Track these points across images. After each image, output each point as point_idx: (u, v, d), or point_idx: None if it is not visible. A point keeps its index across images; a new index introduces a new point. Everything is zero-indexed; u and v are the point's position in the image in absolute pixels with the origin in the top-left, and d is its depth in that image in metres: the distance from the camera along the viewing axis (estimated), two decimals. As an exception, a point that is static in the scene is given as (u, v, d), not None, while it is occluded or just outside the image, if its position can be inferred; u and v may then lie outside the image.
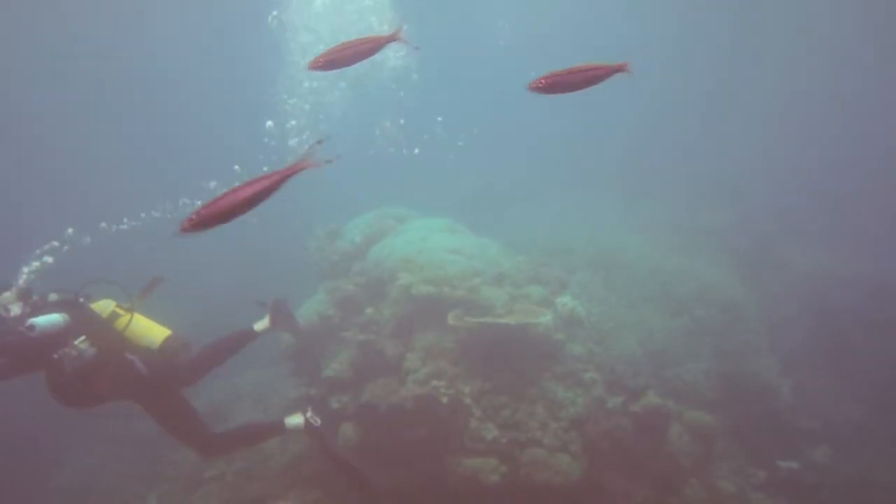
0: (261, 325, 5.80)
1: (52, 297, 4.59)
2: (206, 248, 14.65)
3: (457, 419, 5.86)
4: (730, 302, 8.34)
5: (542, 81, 3.10)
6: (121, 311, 4.78)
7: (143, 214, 5.51)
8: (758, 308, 8.78)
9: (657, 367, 6.90)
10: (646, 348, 6.98)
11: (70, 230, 4.98)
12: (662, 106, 20.39)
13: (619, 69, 3.12)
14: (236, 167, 7.31)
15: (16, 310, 4.37)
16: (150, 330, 4.78)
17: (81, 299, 4.64)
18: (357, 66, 3.60)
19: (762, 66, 21.59)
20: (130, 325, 4.70)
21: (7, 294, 4.45)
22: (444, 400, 5.82)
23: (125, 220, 5.36)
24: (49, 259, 4.78)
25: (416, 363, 6.12)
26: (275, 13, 11.81)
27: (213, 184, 6.20)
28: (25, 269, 4.64)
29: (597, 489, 5.76)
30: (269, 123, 10.31)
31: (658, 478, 5.99)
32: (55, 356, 4.29)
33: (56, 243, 4.90)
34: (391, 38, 3.62)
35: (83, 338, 4.39)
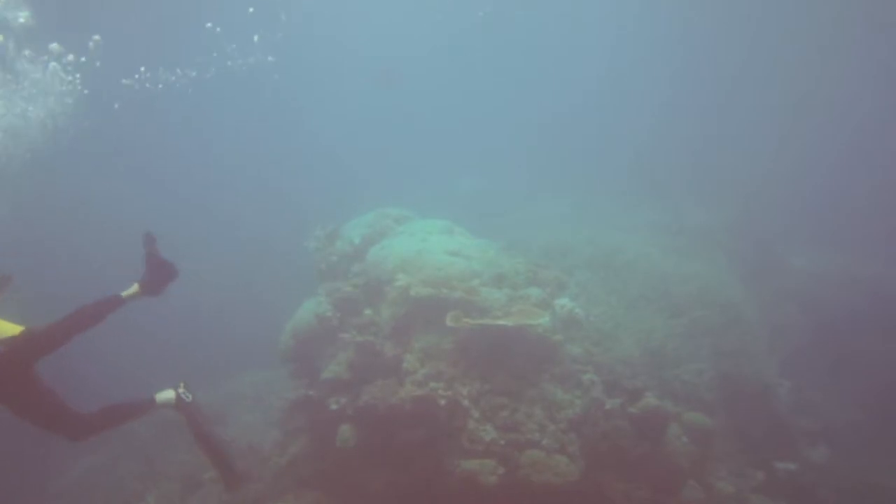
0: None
1: None
2: (205, 252, 14.68)
3: (455, 420, 5.85)
4: (729, 303, 8.33)
5: None
6: None
7: None
8: (757, 309, 8.77)
9: (656, 368, 6.89)
10: (644, 349, 6.98)
11: None
12: (669, 107, 20.39)
13: None
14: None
15: None
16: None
17: None
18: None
19: (772, 68, 21.56)
20: None
21: None
22: (443, 401, 5.82)
23: None
24: None
25: (415, 364, 6.12)
26: None
27: None
28: None
29: (595, 490, 5.75)
30: None
31: (656, 479, 5.99)
32: None
33: None
34: None
35: None
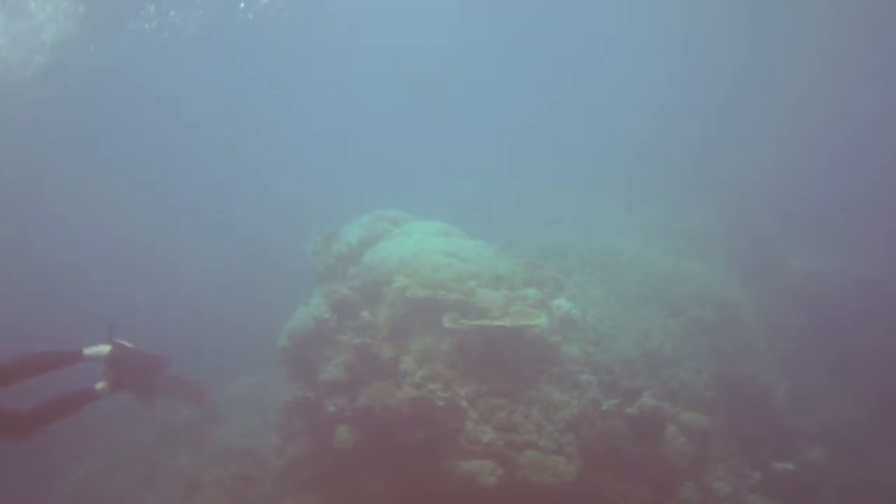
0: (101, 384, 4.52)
1: None
2: (205, 253, 14.71)
3: (453, 422, 5.85)
4: (728, 302, 8.33)
5: None
6: None
7: None
8: (757, 309, 8.77)
9: (653, 368, 6.89)
10: (642, 349, 6.97)
11: None
12: (669, 107, 20.39)
13: None
14: None
15: None
16: None
17: None
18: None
19: (772, 68, 21.55)
20: None
21: None
22: (441, 403, 5.81)
23: None
24: None
25: (413, 366, 6.11)
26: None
27: None
28: None
29: (593, 491, 5.75)
30: None
31: (654, 479, 5.99)
32: None
33: None
34: None
35: None
